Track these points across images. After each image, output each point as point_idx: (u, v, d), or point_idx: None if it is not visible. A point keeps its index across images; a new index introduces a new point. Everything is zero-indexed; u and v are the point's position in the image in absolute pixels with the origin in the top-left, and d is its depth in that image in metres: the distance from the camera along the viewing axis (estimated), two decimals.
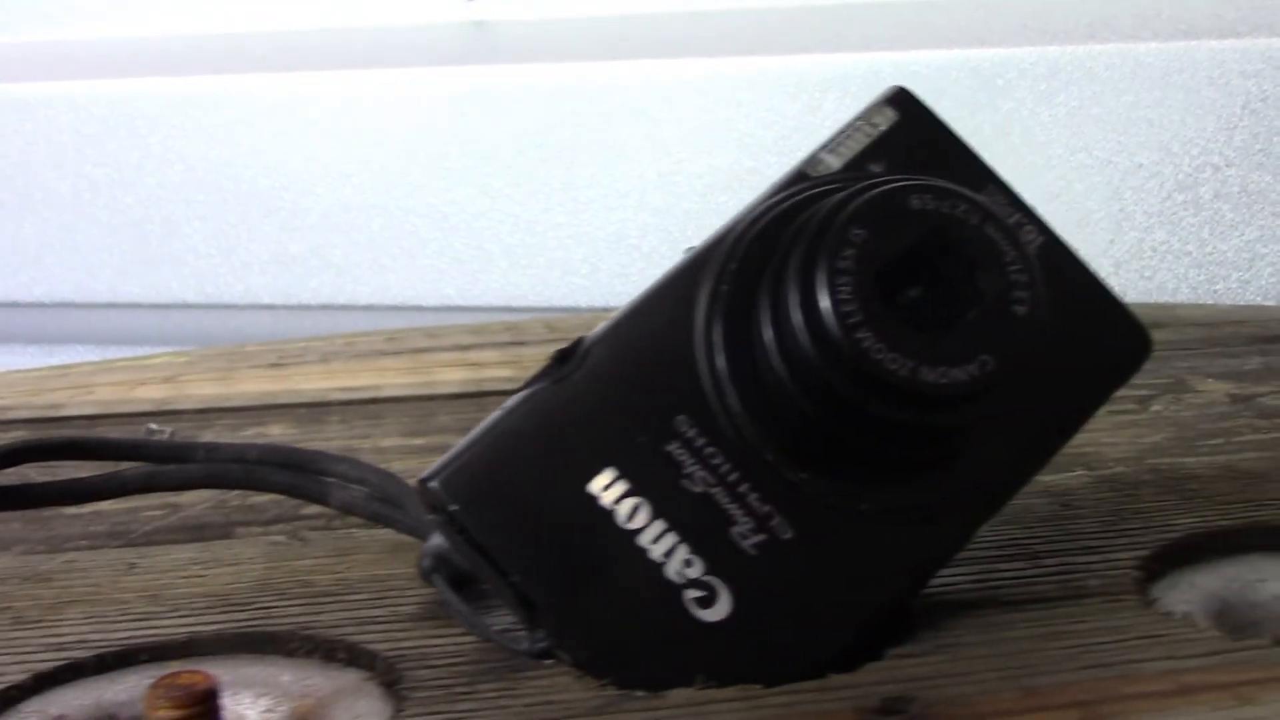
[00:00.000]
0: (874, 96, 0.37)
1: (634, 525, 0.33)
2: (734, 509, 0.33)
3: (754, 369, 0.33)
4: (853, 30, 0.88)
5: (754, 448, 0.33)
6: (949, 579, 0.37)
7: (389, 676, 0.33)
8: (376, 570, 0.39)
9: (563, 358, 0.34)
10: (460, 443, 0.33)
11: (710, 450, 0.33)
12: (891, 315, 0.31)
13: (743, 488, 0.33)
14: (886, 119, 0.37)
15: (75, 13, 1.06)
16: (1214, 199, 0.83)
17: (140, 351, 0.76)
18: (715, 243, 0.35)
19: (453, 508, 0.32)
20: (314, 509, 0.44)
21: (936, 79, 0.85)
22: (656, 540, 0.33)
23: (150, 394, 0.62)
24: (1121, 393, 0.57)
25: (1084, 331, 0.36)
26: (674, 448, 0.33)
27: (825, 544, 0.33)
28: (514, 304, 0.97)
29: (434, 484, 0.33)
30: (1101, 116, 0.84)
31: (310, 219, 0.99)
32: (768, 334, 0.33)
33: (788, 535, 0.33)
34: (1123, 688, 0.31)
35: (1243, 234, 0.83)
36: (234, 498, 0.46)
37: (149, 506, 0.46)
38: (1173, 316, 0.73)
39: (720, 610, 0.32)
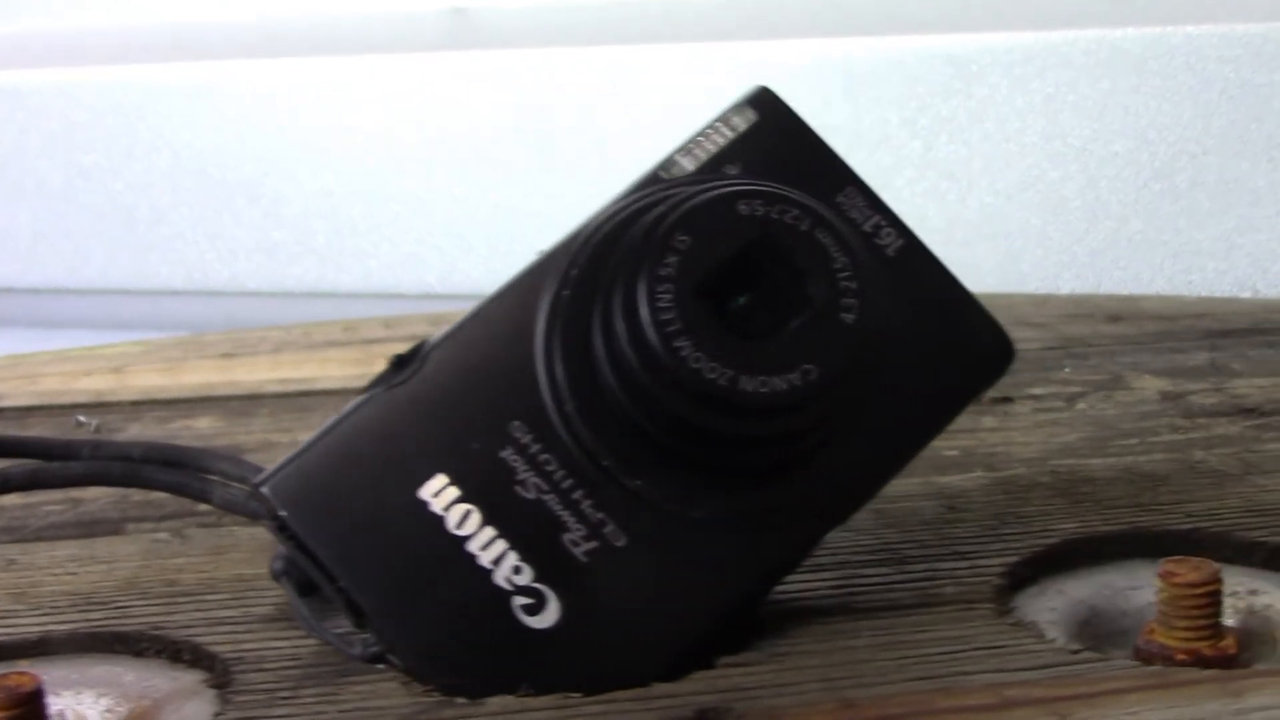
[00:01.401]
0: (737, 96, 0.37)
1: (464, 531, 0.32)
2: (567, 516, 0.33)
3: (592, 376, 0.33)
4: (825, 16, 0.87)
5: (590, 454, 0.33)
6: (809, 584, 0.37)
7: (223, 679, 0.33)
8: (244, 570, 0.39)
9: (401, 362, 0.34)
10: (298, 447, 0.33)
11: (545, 457, 0.33)
12: (713, 323, 0.31)
13: (576, 494, 0.33)
14: (745, 120, 0.36)
15: (63, 1, 1.06)
16: (1191, 187, 0.81)
17: (135, 336, 0.77)
18: (563, 246, 0.35)
19: (282, 513, 0.32)
20: (209, 506, 0.44)
21: (912, 66, 0.84)
22: (486, 547, 0.32)
23: (93, 385, 0.63)
24: (1051, 389, 0.56)
25: (944, 337, 0.36)
26: (508, 454, 0.33)
27: (659, 552, 0.33)
28: None
29: (265, 489, 0.33)
30: (1077, 103, 0.83)
31: (293, 206, 1.00)
32: (598, 341, 0.32)
33: (621, 543, 0.33)
34: (940, 700, 0.30)
35: (1220, 223, 0.81)
36: (135, 493, 0.46)
37: (51, 501, 0.46)
38: (1135, 309, 0.72)
39: (548, 618, 0.32)
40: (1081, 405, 0.53)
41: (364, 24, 0.99)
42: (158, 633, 0.35)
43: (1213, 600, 0.35)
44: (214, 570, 0.39)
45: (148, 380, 0.63)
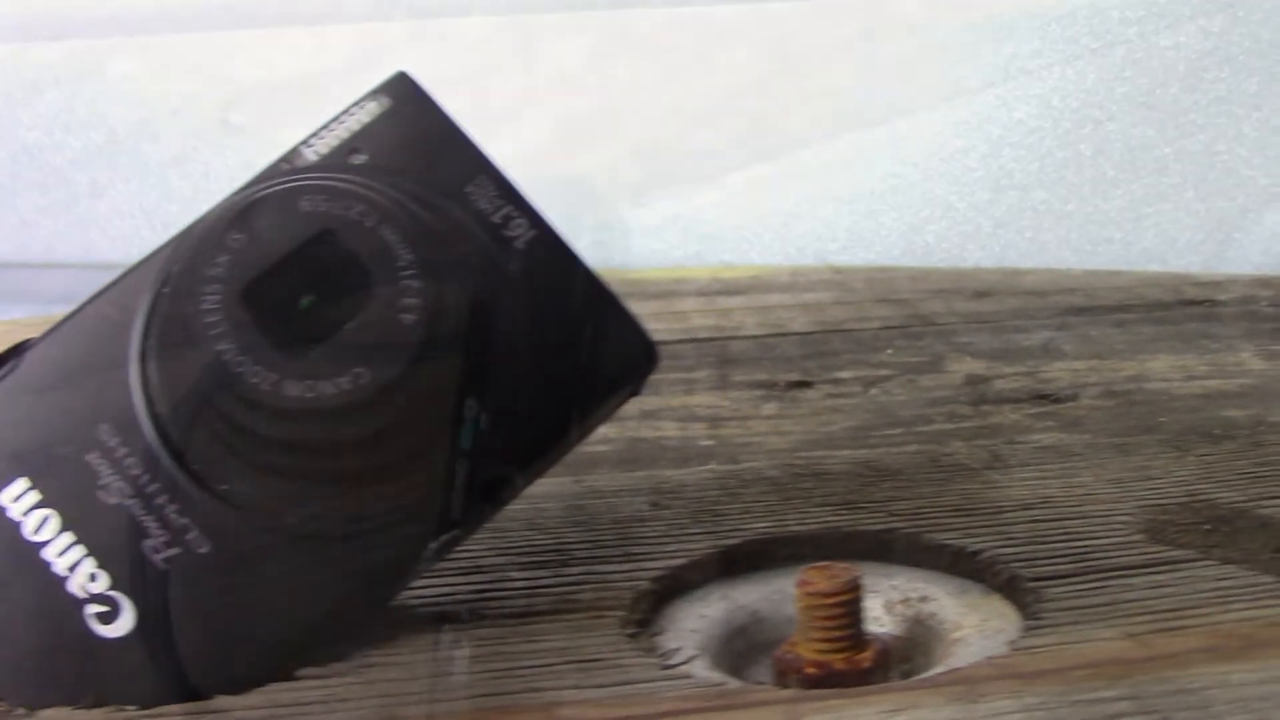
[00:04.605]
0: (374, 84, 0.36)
1: (41, 538, 0.32)
2: (149, 522, 0.32)
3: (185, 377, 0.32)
4: None
5: (179, 459, 0.32)
6: (451, 587, 0.35)
7: None
8: None
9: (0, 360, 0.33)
10: None
11: (130, 461, 0.32)
12: (266, 326, 0.30)
13: (160, 500, 0.32)
14: (378, 107, 0.35)
15: None
16: (1095, 155, 0.78)
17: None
18: (172, 241, 0.34)
19: None
20: None
21: (813, 25, 0.82)
22: (63, 553, 0.32)
23: None
24: (858, 373, 0.55)
25: (576, 332, 0.34)
26: (94, 457, 0.32)
27: (245, 560, 0.32)
28: None
29: None
30: (980, 69, 0.80)
31: (221, 182, 1.00)
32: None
33: (204, 549, 0.32)
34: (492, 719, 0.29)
35: (1126, 192, 0.78)
36: None
37: None
38: (1011, 284, 0.69)
39: (122, 627, 0.31)
40: (874, 391, 0.51)
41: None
42: None
43: (848, 611, 0.33)
44: None
45: None
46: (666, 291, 0.74)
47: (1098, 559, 0.34)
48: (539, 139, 0.88)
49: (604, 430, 0.46)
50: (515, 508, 0.35)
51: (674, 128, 0.90)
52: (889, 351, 0.57)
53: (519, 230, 0.34)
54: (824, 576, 0.33)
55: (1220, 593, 0.32)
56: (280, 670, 0.31)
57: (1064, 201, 0.80)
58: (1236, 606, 0.32)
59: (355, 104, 0.35)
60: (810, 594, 0.33)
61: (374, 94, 0.35)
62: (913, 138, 0.82)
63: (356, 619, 0.33)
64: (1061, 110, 0.79)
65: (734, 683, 0.31)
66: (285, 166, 0.34)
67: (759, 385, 0.53)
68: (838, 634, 0.33)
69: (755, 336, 0.62)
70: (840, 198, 0.83)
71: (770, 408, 0.50)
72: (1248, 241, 0.76)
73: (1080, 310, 0.62)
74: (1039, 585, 0.34)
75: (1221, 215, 0.76)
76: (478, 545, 0.37)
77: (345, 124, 0.35)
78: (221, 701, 0.30)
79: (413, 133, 0.35)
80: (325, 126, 0.35)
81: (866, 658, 0.33)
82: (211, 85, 1.01)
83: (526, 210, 0.34)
